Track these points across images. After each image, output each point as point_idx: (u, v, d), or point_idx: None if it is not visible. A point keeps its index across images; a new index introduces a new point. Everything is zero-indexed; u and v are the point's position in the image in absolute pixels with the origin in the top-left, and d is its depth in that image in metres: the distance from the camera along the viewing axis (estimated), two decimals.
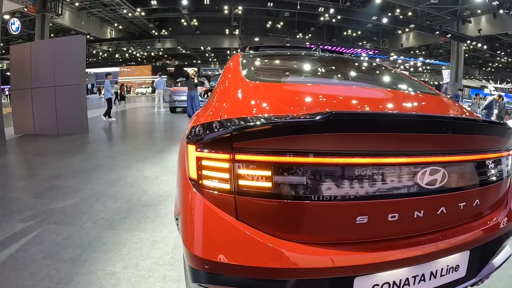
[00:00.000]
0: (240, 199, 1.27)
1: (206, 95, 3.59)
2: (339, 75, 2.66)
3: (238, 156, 1.25)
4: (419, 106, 2.00)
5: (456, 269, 1.48)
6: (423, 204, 1.38)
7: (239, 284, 1.26)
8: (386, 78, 2.73)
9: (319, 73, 2.68)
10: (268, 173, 1.23)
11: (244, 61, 2.43)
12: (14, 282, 2.31)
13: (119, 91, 27.76)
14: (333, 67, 2.90)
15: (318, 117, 1.16)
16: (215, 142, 1.29)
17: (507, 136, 1.61)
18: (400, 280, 1.35)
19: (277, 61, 2.94)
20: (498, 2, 18.34)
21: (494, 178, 1.61)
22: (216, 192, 1.31)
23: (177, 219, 1.67)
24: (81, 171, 5.30)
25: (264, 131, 1.22)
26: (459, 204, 1.48)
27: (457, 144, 1.43)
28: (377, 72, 2.93)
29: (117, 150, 7.41)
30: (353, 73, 2.80)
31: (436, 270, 1.43)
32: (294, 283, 1.24)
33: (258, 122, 1.24)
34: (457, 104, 2.14)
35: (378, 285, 1.32)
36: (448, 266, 1.46)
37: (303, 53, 3.25)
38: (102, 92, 25.28)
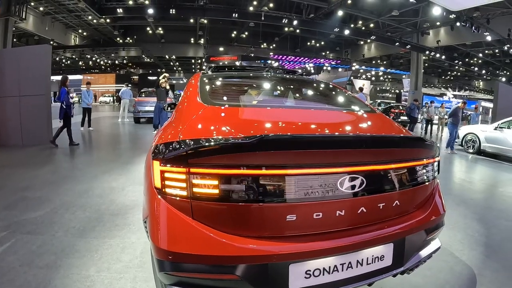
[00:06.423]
0: (195, 203, 1.61)
1: (169, 108, 3.73)
2: (285, 98, 3.05)
3: (193, 170, 1.59)
4: (346, 124, 2.39)
5: (382, 259, 1.81)
6: (344, 205, 1.73)
7: (196, 270, 1.59)
8: (331, 99, 3.13)
9: (267, 97, 3.08)
10: (215, 182, 1.58)
11: (203, 82, 2.80)
12: None
13: None
14: (281, 90, 3.29)
15: (252, 140, 1.54)
16: (175, 159, 1.63)
17: (421, 147, 1.99)
18: (330, 267, 1.68)
19: (231, 85, 3.31)
20: (455, 15, 19.44)
21: (410, 183, 1.97)
22: (176, 198, 1.64)
23: (145, 221, 2.00)
24: (49, 182, 5.41)
25: (212, 150, 1.59)
26: (378, 205, 1.83)
27: (373, 155, 1.80)
28: (325, 92, 3.32)
29: (83, 161, 7.49)
30: (300, 95, 3.17)
31: (362, 259, 1.75)
32: (240, 268, 1.58)
33: (207, 143, 1.61)
34: (383, 119, 2.54)
35: (310, 270, 1.65)
36: (373, 256, 1.78)
37: (255, 76, 3.60)
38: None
